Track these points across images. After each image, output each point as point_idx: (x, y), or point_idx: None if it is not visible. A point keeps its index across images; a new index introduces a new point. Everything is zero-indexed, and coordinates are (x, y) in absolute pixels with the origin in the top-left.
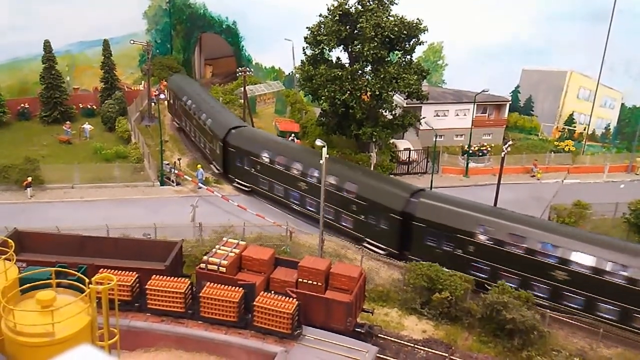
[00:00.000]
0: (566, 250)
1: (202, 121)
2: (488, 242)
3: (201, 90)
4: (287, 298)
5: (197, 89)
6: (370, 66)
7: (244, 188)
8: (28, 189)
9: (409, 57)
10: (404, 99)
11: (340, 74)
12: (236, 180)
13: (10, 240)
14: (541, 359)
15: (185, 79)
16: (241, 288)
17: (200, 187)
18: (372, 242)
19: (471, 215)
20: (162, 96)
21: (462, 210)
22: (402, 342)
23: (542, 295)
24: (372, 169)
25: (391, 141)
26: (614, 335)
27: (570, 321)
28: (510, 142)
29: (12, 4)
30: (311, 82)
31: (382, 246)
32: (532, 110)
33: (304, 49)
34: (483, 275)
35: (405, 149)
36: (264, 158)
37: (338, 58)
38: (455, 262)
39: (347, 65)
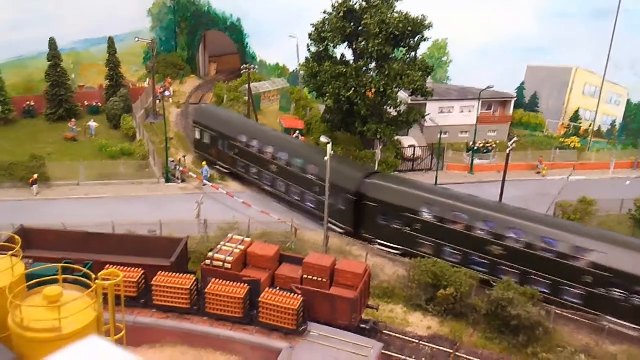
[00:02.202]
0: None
1: (296, 167)
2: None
3: (265, 127)
4: (292, 294)
5: (255, 125)
6: (374, 63)
7: (393, 252)
8: (34, 186)
9: (413, 53)
10: (409, 96)
11: (344, 70)
12: (378, 241)
13: (17, 237)
14: (546, 355)
15: (226, 112)
16: (246, 284)
17: (205, 184)
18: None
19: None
20: (167, 93)
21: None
22: (407, 338)
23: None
24: (377, 165)
25: (396, 138)
26: (619, 332)
27: (576, 317)
28: (515, 139)
29: (17, 2)
30: (316, 79)
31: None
32: (538, 107)
33: (308, 46)
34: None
35: (410, 146)
36: (424, 214)
37: (343, 55)
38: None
39: (351, 62)
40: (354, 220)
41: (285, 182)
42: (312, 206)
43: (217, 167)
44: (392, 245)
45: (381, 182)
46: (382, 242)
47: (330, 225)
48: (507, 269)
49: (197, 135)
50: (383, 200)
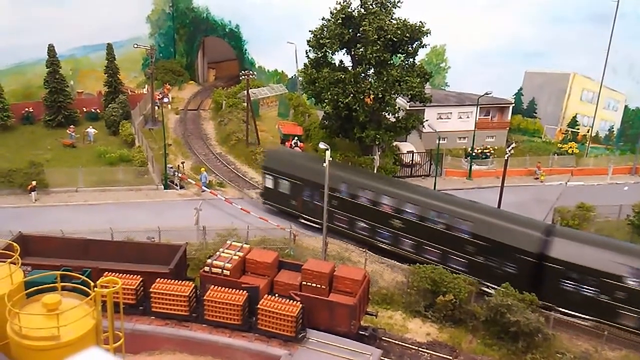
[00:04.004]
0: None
1: (434, 222)
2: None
3: (380, 175)
4: (291, 301)
5: (365, 172)
6: (373, 69)
7: (583, 324)
8: (32, 192)
9: (411, 59)
10: (407, 102)
11: (343, 76)
12: (561, 309)
13: (15, 244)
14: None
15: (313, 157)
16: (245, 291)
17: (204, 191)
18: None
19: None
20: (165, 100)
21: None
22: (406, 344)
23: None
24: (375, 171)
25: (394, 144)
26: (618, 338)
27: (575, 323)
28: (513, 145)
29: (16, 9)
30: (314, 85)
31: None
32: (535, 113)
33: (306, 52)
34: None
35: (408, 152)
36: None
37: (341, 61)
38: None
39: (350, 68)
40: (528, 285)
41: (415, 239)
42: (460, 267)
43: (303, 221)
44: (579, 314)
45: (568, 239)
46: (566, 310)
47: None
48: None
49: (269, 184)
50: (572, 262)
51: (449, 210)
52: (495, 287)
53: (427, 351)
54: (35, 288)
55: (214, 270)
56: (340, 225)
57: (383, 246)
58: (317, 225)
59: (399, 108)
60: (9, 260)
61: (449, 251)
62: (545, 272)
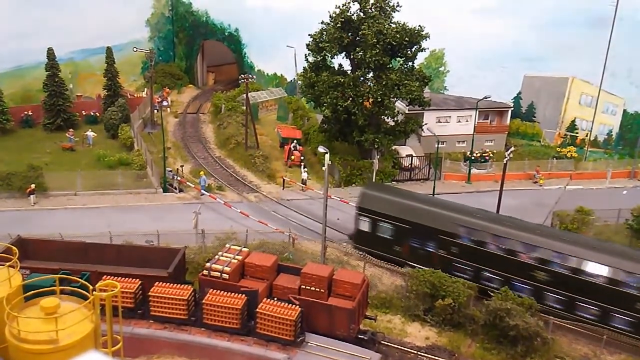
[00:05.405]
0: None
1: (593, 276)
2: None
3: (515, 220)
4: (290, 305)
5: (495, 216)
6: (372, 73)
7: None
8: (31, 196)
9: (410, 63)
10: (406, 106)
11: (342, 80)
12: None
13: (13, 248)
14: None
15: (422, 196)
16: (244, 295)
17: (202, 194)
18: None
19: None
20: (164, 103)
21: None
22: (405, 348)
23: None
24: (374, 175)
25: (393, 148)
26: (617, 342)
27: (574, 328)
28: (512, 149)
29: (15, 12)
30: (313, 88)
31: None
32: (534, 117)
33: (306, 56)
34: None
35: (407, 156)
36: None
37: (340, 65)
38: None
39: (349, 72)
40: None
41: (564, 294)
42: (626, 327)
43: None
44: None
45: None
46: None
47: None
48: None
49: (365, 227)
50: None
51: (612, 262)
52: None
53: (426, 355)
54: (34, 291)
55: (213, 273)
56: (461, 275)
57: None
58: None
59: (398, 112)
60: (8, 263)
61: (612, 309)
62: None
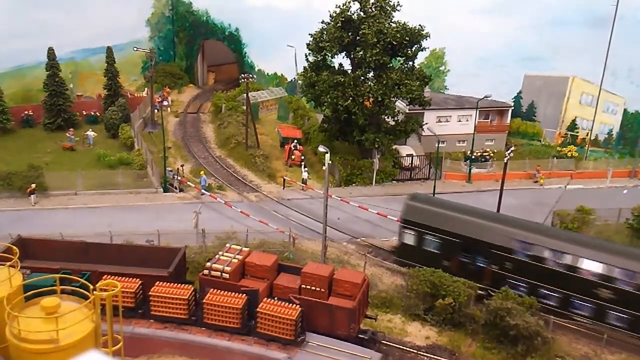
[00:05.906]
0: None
1: None
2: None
3: (574, 234)
4: (291, 304)
5: (552, 230)
6: (372, 72)
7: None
8: (32, 195)
9: (411, 63)
10: (406, 105)
11: (342, 80)
12: None
13: (14, 247)
14: None
15: (473, 208)
16: (244, 294)
17: (203, 194)
18: None
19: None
20: (165, 103)
21: None
22: (405, 348)
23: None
24: (374, 175)
25: (393, 147)
26: (618, 341)
27: (575, 327)
28: (512, 148)
29: (15, 12)
30: (314, 88)
31: None
32: (535, 116)
33: (306, 56)
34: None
35: (407, 155)
36: None
37: (340, 64)
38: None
39: (349, 71)
40: None
41: (629, 313)
42: None
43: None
44: None
45: None
46: None
47: None
48: None
49: (409, 240)
50: None
51: None
52: None
53: (427, 354)
54: (35, 291)
55: (214, 273)
56: (514, 291)
57: (578, 319)
58: (481, 292)
59: (398, 111)
60: (8, 263)
61: None
62: None
